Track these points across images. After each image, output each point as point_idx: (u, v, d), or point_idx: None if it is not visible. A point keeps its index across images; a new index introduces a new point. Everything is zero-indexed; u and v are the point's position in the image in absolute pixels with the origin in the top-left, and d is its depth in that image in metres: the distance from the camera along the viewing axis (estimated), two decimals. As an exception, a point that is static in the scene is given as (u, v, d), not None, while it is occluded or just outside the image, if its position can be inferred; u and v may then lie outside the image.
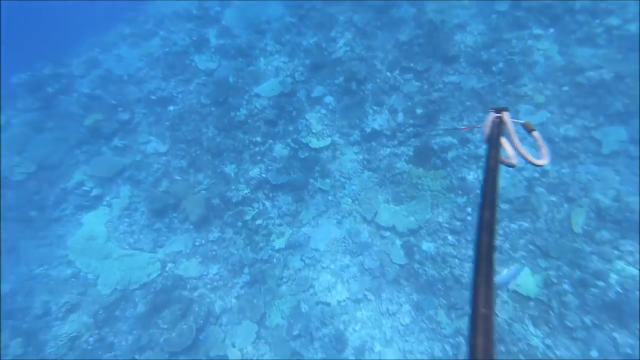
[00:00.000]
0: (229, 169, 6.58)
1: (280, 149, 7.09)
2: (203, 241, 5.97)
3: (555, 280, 5.06)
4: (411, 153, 6.76)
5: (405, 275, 5.92)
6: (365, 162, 6.99)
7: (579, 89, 5.76)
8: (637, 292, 4.57)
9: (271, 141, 7.03)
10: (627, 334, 4.39)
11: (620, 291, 4.60)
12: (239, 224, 6.36)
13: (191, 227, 6.03)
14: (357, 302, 5.79)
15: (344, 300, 5.84)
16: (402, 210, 6.54)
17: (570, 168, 5.75)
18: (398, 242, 6.27)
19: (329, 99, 7.26)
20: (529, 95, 6.18)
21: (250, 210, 6.56)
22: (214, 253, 5.88)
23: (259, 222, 6.50)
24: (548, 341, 4.69)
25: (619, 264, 4.82)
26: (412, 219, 6.42)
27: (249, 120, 6.87)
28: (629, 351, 4.28)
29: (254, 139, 6.89)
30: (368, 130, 7.01)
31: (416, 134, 6.84)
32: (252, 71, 7.28)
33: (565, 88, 5.86)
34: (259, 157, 6.87)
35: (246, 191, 6.56)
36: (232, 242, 6.11)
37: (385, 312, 5.71)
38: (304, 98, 7.23)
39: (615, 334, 4.42)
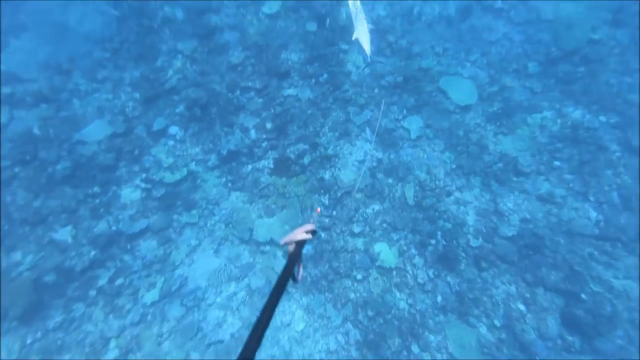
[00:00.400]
0: (63, 234, 5.25)
1: (128, 194, 6.11)
2: (39, 334, 4.57)
3: (405, 248, 5.96)
4: (272, 165, 6.88)
5: (291, 283, 6.01)
6: (230, 184, 6.75)
7: (385, 90, 6.97)
8: (454, 241, 5.80)
9: (115, 188, 5.98)
10: (454, 276, 5.52)
11: (444, 243, 5.77)
12: (92, 293, 5.18)
13: (15, 323, 4.55)
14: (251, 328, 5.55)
15: (238, 331, 5.51)
16: (275, 221, 6.60)
17: (395, 154, 6.86)
18: (279, 253, 6.32)
19: (174, 129, 6.66)
20: (353, 99, 7.16)
21: (104, 273, 5.45)
22: (59, 342, 4.59)
23: (119, 281, 5.45)
24: (410, 301, 5.48)
25: (440, 223, 6.04)
26: (286, 227, 6.56)
27: (78, 172, 5.64)
28: (457, 288, 5.40)
29: (90, 191, 5.72)
30: (224, 152, 6.78)
31: (272, 146, 6.98)
32: (65, 117, 5.92)
33: (376, 90, 7.02)
34: (102, 210, 5.74)
35: (93, 252, 5.41)
36: (86, 319, 4.92)
37: (280, 326, 5.64)
38: (145, 134, 6.41)
39: (449, 278, 5.51)
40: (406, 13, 7.21)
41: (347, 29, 7.30)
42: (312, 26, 7.41)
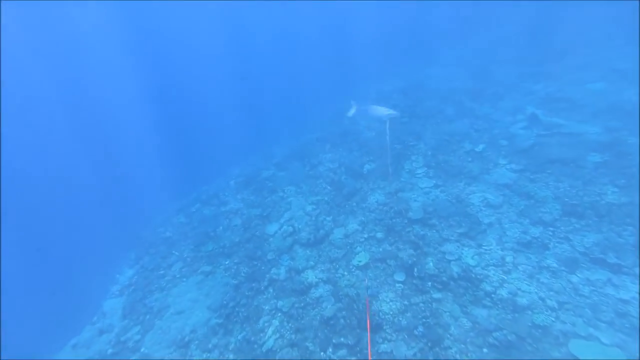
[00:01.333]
0: None
1: None
2: None
3: None
4: None
5: None
6: None
7: (495, 350, 5.93)
8: None
9: None
10: None
11: None
12: None
13: None
14: None
15: None
16: None
17: None
18: None
19: (264, 399, 6.33)
20: (458, 360, 6.13)
21: None
22: None
23: None
24: None
25: None
26: None
27: None
28: None
29: None
30: None
31: (367, 421, 5.82)
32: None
33: (485, 350, 6.00)
34: None
35: None
36: None
37: None
38: (236, 405, 6.21)
39: None
40: (498, 263, 7.05)
41: (436, 276, 7.32)
42: (400, 276, 7.67)
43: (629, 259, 6.07)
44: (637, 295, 5.46)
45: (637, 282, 5.63)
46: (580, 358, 5.16)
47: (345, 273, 8.23)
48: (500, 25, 21.61)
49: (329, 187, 11.20)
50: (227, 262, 9.27)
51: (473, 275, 7.10)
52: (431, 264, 7.66)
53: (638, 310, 5.29)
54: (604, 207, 7.16)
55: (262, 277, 8.55)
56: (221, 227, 10.79)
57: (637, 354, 4.87)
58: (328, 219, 10.05)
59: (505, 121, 11.19)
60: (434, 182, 9.91)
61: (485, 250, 7.57)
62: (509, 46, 18.07)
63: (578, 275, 6.25)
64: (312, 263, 8.70)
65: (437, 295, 7.11)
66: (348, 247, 9.02)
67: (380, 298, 7.51)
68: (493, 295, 6.61)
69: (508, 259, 7.14)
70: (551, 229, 7.30)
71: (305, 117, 18.90)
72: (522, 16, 20.39)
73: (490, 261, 7.24)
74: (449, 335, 6.52)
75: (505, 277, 6.81)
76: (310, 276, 8.26)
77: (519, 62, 15.50)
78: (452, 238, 8.14)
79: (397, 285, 7.60)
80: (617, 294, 5.67)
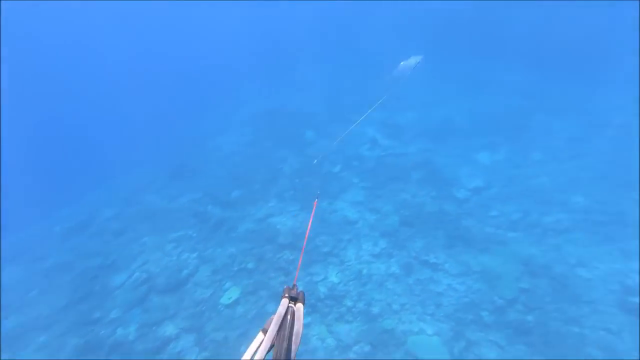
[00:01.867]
0: None
1: None
2: None
3: None
4: None
5: None
6: None
7: (354, 364, 6.51)
8: None
9: None
10: None
11: None
12: None
13: None
14: None
15: None
16: None
17: None
18: None
19: None
20: (327, 379, 6.40)
21: None
22: None
23: None
24: None
25: None
26: None
27: None
28: None
29: None
30: None
31: None
32: None
33: (348, 364, 6.52)
34: None
35: None
36: None
37: None
38: None
39: None
40: (356, 276, 7.83)
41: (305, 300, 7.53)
42: (272, 307, 7.54)
43: (441, 257, 7.82)
44: (447, 288, 7.08)
45: (448, 276, 7.30)
46: (413, 351, 6.19)
47: (213, 315, 7.52)
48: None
49: (192, 220, 10.17)
50: (42, 339, 6.99)
51: (337, 293, 7.64)
52: (300, 288, 7.86)
53: (450, 300, 6.84)
54: (425, 215, 9.05)
55: (101, 344, 6.85)
56: (35, 292, 8.15)
57: (449, 338, 6.22)
58: (193, 256, 9.06)
59: (355, 143, 12.86)
60: (300, 204, 10.37)
61: (347, 266, 8.31)
62: (351, 73, 20.90)
63: (412, 277, 7.60)
64: (172, 312, 7.58)
65: (306, 321, 7.31)
66: (216, 284, 8.33)
67: (251, 336, 7.15)
68: (353, 309, 7.26)
69: (364, 271, 8.03)
70: (393, 239, 8.68)
71: (162, 140, 16.89)
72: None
73: (351, 276, 7.98)
74: (315, 358, 6.76)
75: (362, 289, 7.63)
76: (169, 328, 7.15)
77: (357, 91, 17.77)
78: (319, 259, 8.61)
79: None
80: (436, 288, 7.17)
